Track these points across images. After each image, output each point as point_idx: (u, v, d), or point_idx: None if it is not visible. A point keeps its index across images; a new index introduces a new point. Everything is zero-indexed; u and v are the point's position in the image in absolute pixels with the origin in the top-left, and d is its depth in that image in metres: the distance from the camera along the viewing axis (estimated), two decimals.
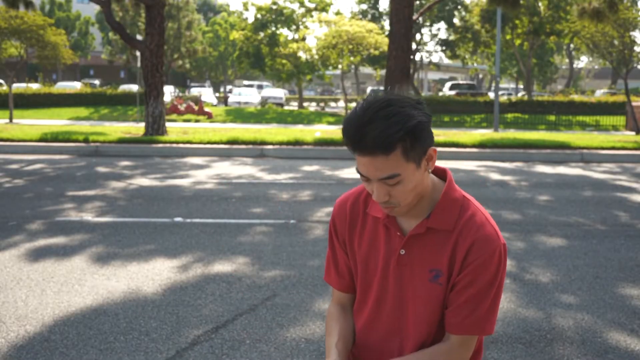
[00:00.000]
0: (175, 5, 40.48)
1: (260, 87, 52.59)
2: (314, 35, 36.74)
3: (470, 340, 1.66)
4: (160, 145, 15.60)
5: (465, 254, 1.63)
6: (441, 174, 1.75)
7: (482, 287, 1.63)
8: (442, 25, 44.72)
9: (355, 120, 1.53)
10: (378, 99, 1.56)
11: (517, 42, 39.23)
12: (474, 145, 16.20)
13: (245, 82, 57.53)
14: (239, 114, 31.68)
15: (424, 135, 1.57)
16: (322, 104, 47.11)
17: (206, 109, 30.15)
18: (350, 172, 11.91)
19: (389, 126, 1.50)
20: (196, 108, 30.00)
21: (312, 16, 38.72)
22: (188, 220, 7.61)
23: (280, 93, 45.07)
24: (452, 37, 43.34)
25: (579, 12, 18.79)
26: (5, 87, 35.20)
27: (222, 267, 5.75)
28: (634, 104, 23.96)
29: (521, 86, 58.49)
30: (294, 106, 43.88)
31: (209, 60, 57.47)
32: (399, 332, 1.73)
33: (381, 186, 1.58)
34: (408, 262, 1.69)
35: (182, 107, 29.93)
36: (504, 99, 33.96)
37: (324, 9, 38.99)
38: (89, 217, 7.76)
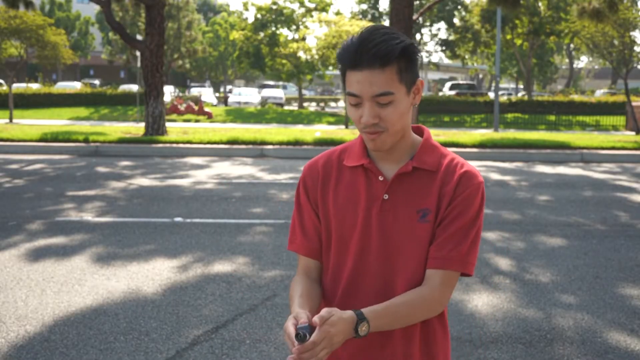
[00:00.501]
0: (175, 5, 40.47)
1: (284, 87, 52.40)
2: (314, 35, 36.74)
3: (452, 278, 1.66)
4: (160, 145, 15.59)
5: (455, 187, 1.67)
6: (418, 131, 1.81)
7: (467, 222, 1.66)
8: (442, 25, 44.76)
9: (355, 39, 1.61)
10: (374, 25, 1.65)
11: (518, 42, 39.24)
12: (474, 145, 16.20)
13: (268, 82, 56.89)
14: (239, 114, 31.68)
15: (416, 60, 1.65)
16: (322, 104, 47.11)
17: (206, 109, 30.14)
18: None
19: (389, 39, 1.58)
20: (196, 108, 29.99)
21: (312, 16, 38.70)
22: (188, 220, 7.62)
23: (280, 93, 45.03)
24: (452, 37, 43.33)
25: (579, 12, 18.79)
26: (5, 87, 35.20)
27: (222, 267, 5.75)
28: (634, 104, 23.96)
29: (521, 86, 58.48)
30: (294, 106, 43.88)
31: (209, 60, 57.46)
32: (385, 283, 1.70)
33: (372, 107, 1.61)
34: (391, 207, 1.68)
35: (182, 107, 29.92)
36: (504, 99, 33.96)
37: (324, 9, 38.98)
38: (89, 217, 7.76)
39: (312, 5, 39.31)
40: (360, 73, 1.60)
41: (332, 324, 1.49)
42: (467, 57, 44.74)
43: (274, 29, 39.51)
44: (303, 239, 1.77)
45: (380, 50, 1.57)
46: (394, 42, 1.58)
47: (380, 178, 1.69)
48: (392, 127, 1.63)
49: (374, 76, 1.59)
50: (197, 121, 28.07)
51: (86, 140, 15.95)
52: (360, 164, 1.72)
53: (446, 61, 54.74)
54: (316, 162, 1.80)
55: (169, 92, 35.35)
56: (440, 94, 43.72)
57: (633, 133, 23.36)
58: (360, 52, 1.58)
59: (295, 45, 34.56)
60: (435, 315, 1.68)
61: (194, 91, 45.94)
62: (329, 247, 1.75)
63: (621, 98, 32.15)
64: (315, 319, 1.49)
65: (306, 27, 39.25)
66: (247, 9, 43.75)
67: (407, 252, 1.67)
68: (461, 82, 48.73)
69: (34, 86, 37.54)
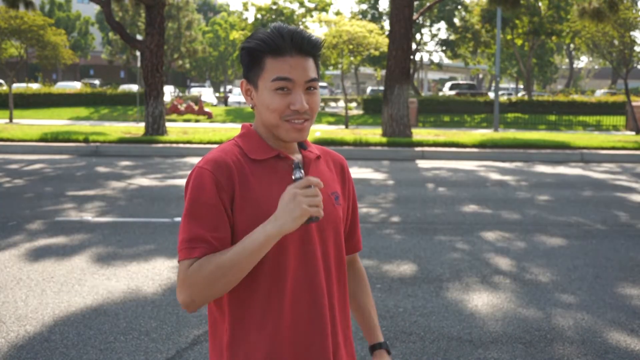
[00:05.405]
0: (175, 5, 40.45)
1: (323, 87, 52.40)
2: None
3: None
4: (160, 145, 15.60)
5: (347, 172, 1.84)
6: None
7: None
8: (442, 25, 44.72)
9: (287, 27, 1.64)
10: (280, 23, 1.70)
11: (518, 42, 39.22)
12: (474, 145, 16.20)
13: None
14: (239, 114, 31.68)
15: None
16: (322, 104, 47.14)
17: (206, 109, 30.15)
18: (351, 172, 11.90)
19: (311, 34, 1.66)
20: (196, 108, 30.00)
21: (312, 16, 38.71)
22: None
23: None
24: (452, 37, 43.32)
25: (579, 12, 18.79)
26: (5, 87, 35.20)
27: None
28: (634, 104, 23.96)
29: (521, 86, 58.47)
30: None
31: (209, 60, 57.46)
32: (325, 265, 1.71)
33: (302, 94, 1.63)
34: None
35: (182, 107, 29.93)
36: (504, 99, 33.94)
37: (324, 9, 38.98)
38: (89, 217, 7.76)
39: (312, 5, 39.32)
40: (293, 59, 1.61)
41: None
42: (468, 57, 44.73)
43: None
44: (214, 241, 1.57)
45: (313, 39, 1.64)
46: (316, 36, 1.66)
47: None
48: (314, 116, 1.67)
49: (306, 62, 1.63)
50: (197, 121, 28.07)
51: (86, 140, 15.95)
52: (274, 155, 1.68)
53: (446, 61, 54.72)
54: (219, 158, 1.63)
55: (169, 92, 35.36)
56: (440, 93, 43.73)
57: (633, 133, 23.36)
58: (294, 40, 1.62)
59: None
60: None
61: (194, 91, 45.93)
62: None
63: (621, 98, 32.14)
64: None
65: (306, 27, 39.25)
66: (247, 9, 43.72)
67: (334, 232, 1.73)
68: (461, 82, 48.72)
69: (34, 86, 37.53)
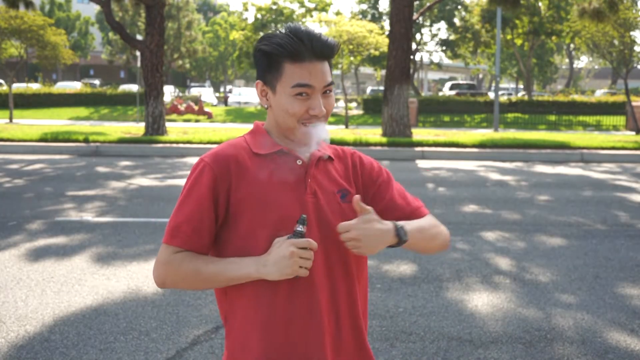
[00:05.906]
0: (175, 5, 40.44)
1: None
2: None
3: None
4: (160, 145, 15.60)
5: (358, 164, 1.81)
6: None
7: (397, 185, 1.86)
8: (442, 25, 44.71)
9: (304, 31, 1.64)
10: (296, 23, 1.70)
11: (518, 42, 39.21)
12: (474, 145, 16.20)
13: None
14: (239, 114, 31.68)
15: None
16: None
17: (206, 109, 30.16)
18: None
19: (325, 35, 1.66)
20: (196, 108, 30.00)
21: (312, 16, 38.69)
22: None
23: None
24: (452, 37, 43.32)
25: (579, 12, 18.79)
26: (5, 87, 35.20)
27: None
28: (634, 104, 23.95)
29: (521, 86, 58.46)
30: None
31: (209, 60, 57.45)
32: (328, 265, 1.70)
33: (320, 99, 1.67)
34: (317, 189, 1.71)
35: (182, 107, 29.93)
36: (504, 99, 33.91)
37: (324, 9, 38.97)
38: (89, 217, 7.76)
39: (312, 5, 39.30)
40: (311, 64, 1.63)
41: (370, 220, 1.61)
42: (468, 57, 44.71)
43: (273, 29, 39.44)
44: (193, 234, 1.66)
45: (331, 43, 1.64)
46: (330, 38, 1.67)
47: (299, 162, 1.71)
48: (328, 116, 1.70)
49: (325, 68, 1.66)
50: (197, 121, 28.07)
51: (86, 140, 15.95)
52: (277, 149, 1.71)
53: (446, 61, 54.72)
54: (221, 152, 1.70)
55: (169, 92, 35.34)
56: (440, 93, 43.71)
57: (633, 133, 23.35)
58: (314, 46, 1.62)
59: None
60: (444, 248, 1.84)
61: (194, 91, 45.91)
62: (250, 236, 1.66)
63: (621, 98, 32.13)
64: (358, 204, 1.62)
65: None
66: (247, 9, 43.69)
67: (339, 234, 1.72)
68: (461, 82, 48.72)
69: (34, 86, 37.52)
